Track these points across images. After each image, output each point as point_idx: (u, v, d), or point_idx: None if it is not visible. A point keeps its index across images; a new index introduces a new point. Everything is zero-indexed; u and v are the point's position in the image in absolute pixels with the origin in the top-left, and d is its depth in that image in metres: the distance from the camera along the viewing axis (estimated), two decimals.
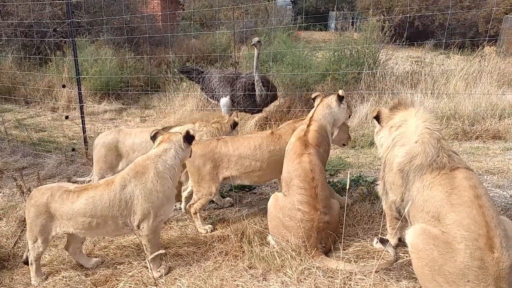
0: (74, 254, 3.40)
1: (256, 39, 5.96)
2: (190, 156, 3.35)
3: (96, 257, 3.52)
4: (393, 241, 3.24)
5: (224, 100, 6.20)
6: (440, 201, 2.53)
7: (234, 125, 4.31)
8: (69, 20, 5.79)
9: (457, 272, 2.35)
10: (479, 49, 9.60)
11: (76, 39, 6.16)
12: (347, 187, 2.71)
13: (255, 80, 5.95)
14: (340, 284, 2.82)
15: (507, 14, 14.64)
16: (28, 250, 3.24)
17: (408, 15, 13.95)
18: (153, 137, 3.30)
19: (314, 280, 2.92)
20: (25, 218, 3.33)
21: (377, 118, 3.16)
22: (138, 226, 3.08)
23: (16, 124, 7.74)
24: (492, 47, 10.81)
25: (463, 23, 17.10)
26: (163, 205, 3.11)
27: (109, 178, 3.22)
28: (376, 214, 3.88)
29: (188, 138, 3.18)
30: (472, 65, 8.39)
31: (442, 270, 2.40)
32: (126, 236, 3.74)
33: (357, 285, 2.86)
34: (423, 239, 2.49)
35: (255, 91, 6.02)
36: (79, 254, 3.41)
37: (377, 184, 3.24)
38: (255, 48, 5.95)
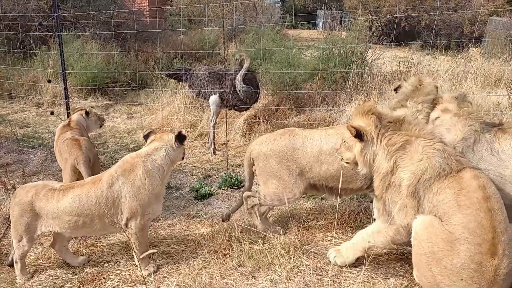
0: (61, 252, 3.35)
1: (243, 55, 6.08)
2: (183, 158, 3.31)
3: (83, 255, 3.48)
4: None
5: (213, 98, 6.14)
6: (448, 202, 2.50)
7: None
8: (55, 14, 5.68)
9: (452, 269, 2.40)
10: (464, 50, 9.74)
11: (62, 33, 6.04)
12: (339, 185, 2.73)
13: (236, 80, 5.89)
14: (329, 282, 2.84)
15: (491, 16, 14.90)
16: (13, 250, 3.18)
17: (396, 15, 14.08)
18: (146, 136, 3.28)
19: (303, 278, 2.93)
20: (9, 216, 3.27)
21: (359, 135, 2.75)
22: (126, 225, 3.05)
23: (0, 120, 7.57)
24: (477, 48, 10.98)
25: (449, 24, 17.33)
26: (151, 203, 3.09)
27: (96, 176, 3.19)
28: (363, 213, 3.93)
29: (180, 138, 3.15)
30: (458, 66, 8.51)
31: (439, 263, 2.45)
32: (114, 234, 3.71)
33: (346, 282, 2.89)
34: (428, 232, 2.51)
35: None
36: (66, 252, 3.37)
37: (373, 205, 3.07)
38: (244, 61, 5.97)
